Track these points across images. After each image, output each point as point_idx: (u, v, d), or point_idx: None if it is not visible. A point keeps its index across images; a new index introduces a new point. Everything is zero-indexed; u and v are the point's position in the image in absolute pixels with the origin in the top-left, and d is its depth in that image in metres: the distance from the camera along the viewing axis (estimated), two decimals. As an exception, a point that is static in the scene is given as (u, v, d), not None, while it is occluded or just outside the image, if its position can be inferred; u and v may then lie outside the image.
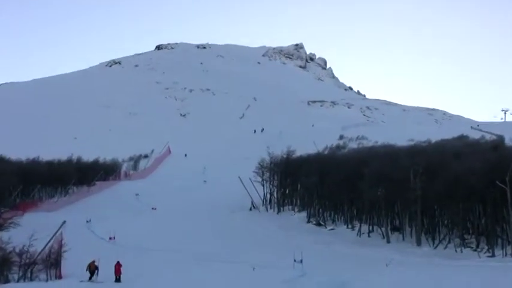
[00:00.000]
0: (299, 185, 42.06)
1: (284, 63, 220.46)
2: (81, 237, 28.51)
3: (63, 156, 56.79)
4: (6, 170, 41.92)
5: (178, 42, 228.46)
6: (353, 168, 34.63)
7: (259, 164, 44.88)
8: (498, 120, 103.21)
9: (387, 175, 30.76)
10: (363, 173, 32.11)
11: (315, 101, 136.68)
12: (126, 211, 41.38)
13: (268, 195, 44.35)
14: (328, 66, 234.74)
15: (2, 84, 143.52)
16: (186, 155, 71.34)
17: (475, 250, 26.03)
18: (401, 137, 61.72)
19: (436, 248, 27.67)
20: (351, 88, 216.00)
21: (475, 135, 59.80)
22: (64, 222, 25.11)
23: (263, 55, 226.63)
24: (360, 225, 33.26)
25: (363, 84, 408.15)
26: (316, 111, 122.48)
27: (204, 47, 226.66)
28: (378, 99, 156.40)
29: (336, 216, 37.05)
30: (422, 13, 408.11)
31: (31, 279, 20.13)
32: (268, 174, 44.82)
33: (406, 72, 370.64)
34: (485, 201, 26.81)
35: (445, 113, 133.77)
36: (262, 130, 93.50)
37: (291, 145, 47.08)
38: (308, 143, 63.65)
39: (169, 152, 76.43)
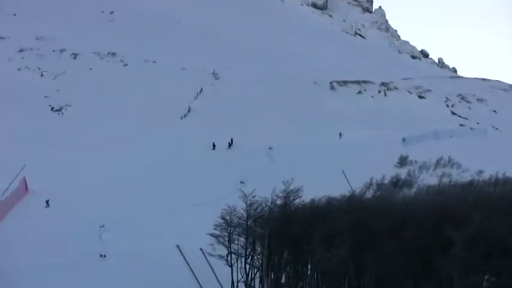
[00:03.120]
0: (309, 266, 41.91)
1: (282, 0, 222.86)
2: None
3: None
4: None
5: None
6: (428, 229, 34.80)
7: (223, 218, 44.68)
8: None
9: (502, 244, 30.91)
10: (449, 240, 32.27)
11: (346, 82, 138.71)
12: None
13: (243, 288, 44.17)
14: (375, 7, 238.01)
15: None
16: (48, 203, 70.54)
17: None
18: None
19: None
20: (425, 54, 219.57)
21: None
22: None
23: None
24: None
25: (450, 47, 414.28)
26: (349, 104, 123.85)
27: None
28: (483, 79, 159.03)
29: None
30: None
31: None
32: (242, 240, 44.67)
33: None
34: None
35: None
36: (231, 144, 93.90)
37: (293, 178, 47.01)
38: (330, 173, 63.67)
39: (26, 189, 75.62)
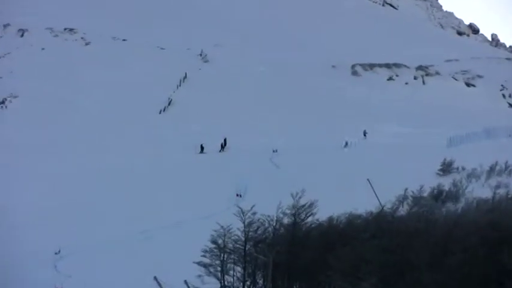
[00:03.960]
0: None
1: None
2: None
3: None
4: None
5: None
6: (479, 256, 34.60)
7: (214, 242, 44.62)
8: None
9: None
10: (506, 271, 32.13)
11: (372, 65, 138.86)
12: None
13: (240, 334, 44.07)
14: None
15: None
16: None
17: None
18: None
19: None
20: (474, 30, 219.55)
21: None
22: None
23: None
24: None
25: (507, 20, 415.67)
26: (376, 94, 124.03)
27: None
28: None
29: None
30: None
31: None
32: (239, 271, 44.65)
33: None
34: None
35: None
36: (224, 146, 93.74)
37: (304, 190, 46.83)
38: (352, 183, 63.88)
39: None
